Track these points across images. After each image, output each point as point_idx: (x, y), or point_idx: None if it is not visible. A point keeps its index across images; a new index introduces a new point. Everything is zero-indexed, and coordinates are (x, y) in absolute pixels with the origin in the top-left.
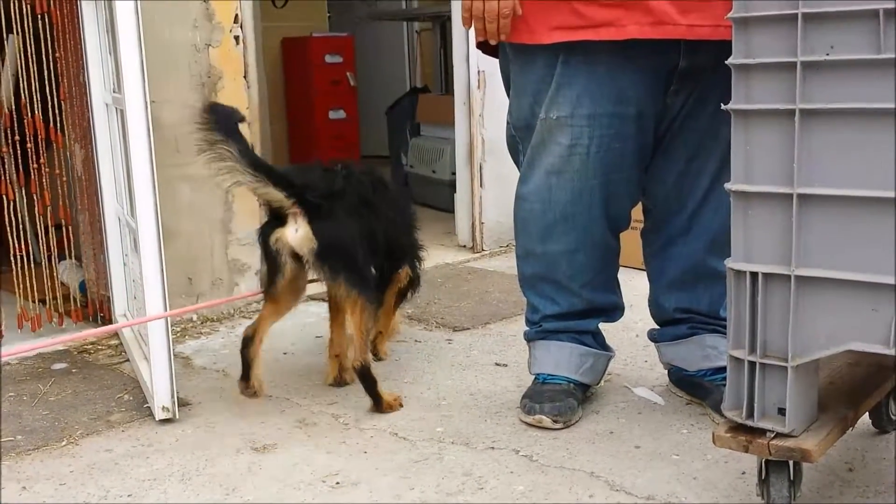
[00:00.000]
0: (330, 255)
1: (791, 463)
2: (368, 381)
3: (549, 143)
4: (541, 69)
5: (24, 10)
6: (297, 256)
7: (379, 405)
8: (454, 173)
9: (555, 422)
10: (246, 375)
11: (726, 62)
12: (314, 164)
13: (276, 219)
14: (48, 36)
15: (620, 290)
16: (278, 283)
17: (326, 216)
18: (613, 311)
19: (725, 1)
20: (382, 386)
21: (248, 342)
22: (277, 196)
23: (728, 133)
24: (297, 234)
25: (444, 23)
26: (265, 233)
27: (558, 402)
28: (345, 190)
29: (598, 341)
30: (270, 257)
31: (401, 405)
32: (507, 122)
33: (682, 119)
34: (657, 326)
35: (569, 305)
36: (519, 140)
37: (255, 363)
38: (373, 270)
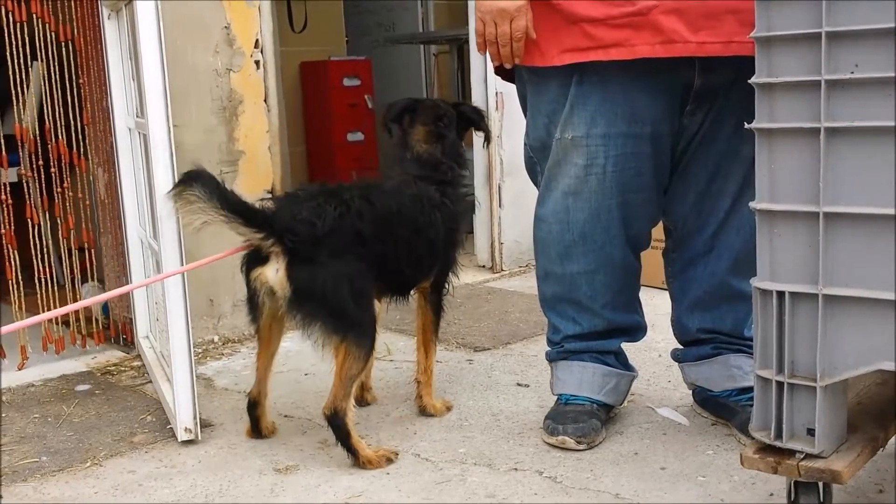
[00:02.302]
0: (305, 303)
1: (821, 484)
2: (340, 432)
3: (564, 163)
4: (555, 89)
5: (49, 37)
6: (275, 295)
7: (355, 459)
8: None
9: (578, 443)
10: (256, 428)
11: (749, 81)
12: (316, 189)
13: (260, 252)
14: (72, 62)
15: (642, 309)
16: (260, 320)
17: (308, 259)
18: (636, 330)
19: (736, 16)
20: (396, 410)
21: (255, 405)
22: (253, 236)
23: (748, 153)
24: (277, 274)
25: (461, 45)
26: (247, 265)
27: (582, 422)
28: (335, 228)
29: (621, 361)
30: (251, 293)
31: (389, 461)
32: (525, 144)
33: (701, 139)
34: (680, 346)
35: (590, 325)
36: (536, 161)
37: (264, 418)
38: (374, 304)
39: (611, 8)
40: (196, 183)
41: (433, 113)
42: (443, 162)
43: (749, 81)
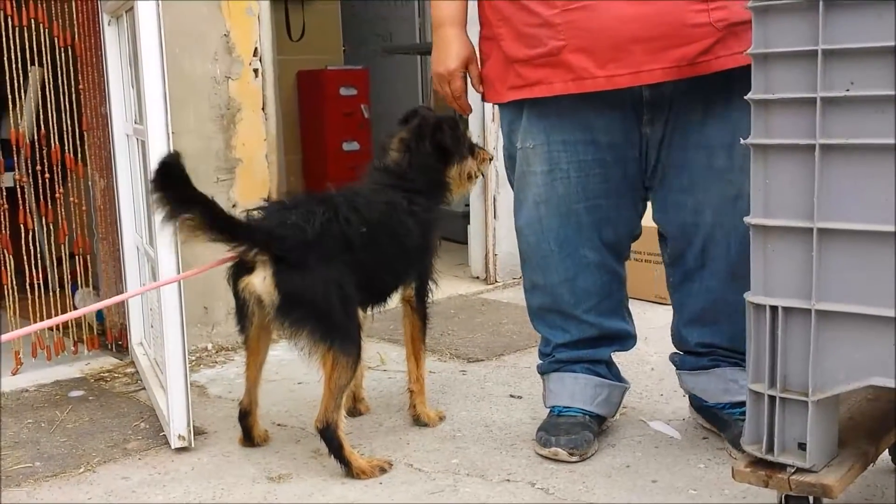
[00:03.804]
0: (294, 309)
1: (811, 498)
2: (333, 444)
3: (528, 174)
4: (514, 103)
5: (48, 42)
6: (263, 304)
7: (348, 469)
8: (467, 205)
9: (571, 455)
10: (248, 436)
11: (746, 97)
12: (303, 197)
13: (245, 261)
14: (71, 68)
15: (631, 318)
16: (249, 329)
17: (295, 265)
18: (625, 338)
19: (644, 45)
20: (390, 420)
21: (247, 414)
22: (237, 251)
23: (723, 166)
24: (264, 282)
25: None
26: (235, 275)
27: (574, 434)
28: (322, 233)
29: (613, 372)
30: (239, 302)
31: (383, 470)
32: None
33: (667, 149)
34: (679, 352)
35: (579, 333)
36: (510, 169)
37: (256, 427)
38: (359, 313)
39: (529, 50)
40: (192, 206)
41: (416, 122)
42: (408, 171)
43: (746, 97)
